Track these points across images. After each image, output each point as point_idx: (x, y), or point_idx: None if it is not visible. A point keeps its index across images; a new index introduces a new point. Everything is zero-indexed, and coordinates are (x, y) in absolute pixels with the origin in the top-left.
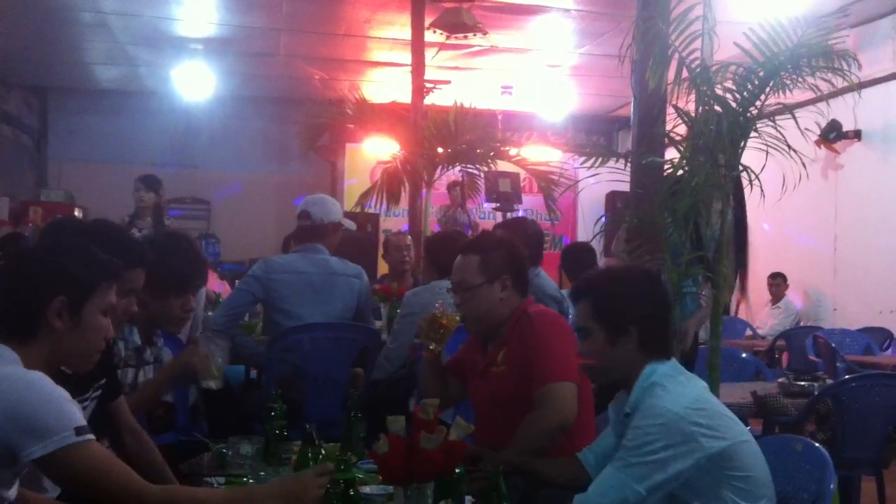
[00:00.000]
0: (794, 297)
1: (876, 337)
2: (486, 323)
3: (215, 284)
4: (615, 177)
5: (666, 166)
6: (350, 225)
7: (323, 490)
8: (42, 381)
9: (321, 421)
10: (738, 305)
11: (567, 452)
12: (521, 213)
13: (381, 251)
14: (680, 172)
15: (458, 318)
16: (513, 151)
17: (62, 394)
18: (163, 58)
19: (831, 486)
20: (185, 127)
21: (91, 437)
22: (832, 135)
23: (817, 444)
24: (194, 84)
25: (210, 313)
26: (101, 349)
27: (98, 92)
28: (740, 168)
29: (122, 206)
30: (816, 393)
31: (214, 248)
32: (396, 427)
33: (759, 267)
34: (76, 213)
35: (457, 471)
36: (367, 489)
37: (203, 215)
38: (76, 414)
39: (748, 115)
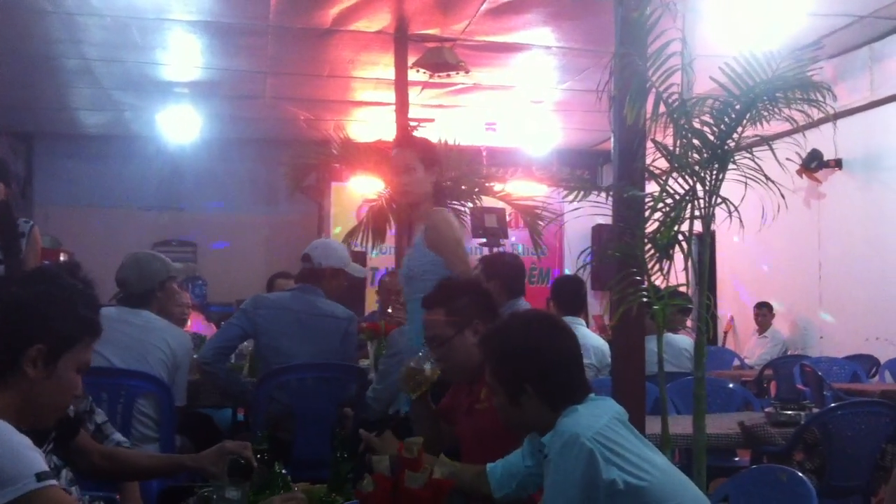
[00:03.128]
0: (780, 326)
1: (863, 364)
2: (466, 370)
3: (202, 327)
4: (600, 210)
5: (647, 199)
6: (357, 271)
7: None
8: (3, 428)
9: (309, 460)
10: (725, 336)
11: None
12: (506, 248)
13: (368, 288)
14: (660, 205)
15: (437, 371)
16: (498, 187)
17: (23, 441)
18: (148, 102)
19: None
20: (171, 170)
21: (53, 482)
22: (813, 164)
23: (801, 475)
24: (180, 127)
25: (195, 356)
26: (67, 406)
27: (83, 137)
28: (719, 200)
29: (109, 250)
30: (803, 422)
31: (202, 290)
32: (381, 466)
33: (746, 297)
34: (62, 257)
35: None
36: None
37: (190, 257)
38: (38, 460)
39: (726, 147)
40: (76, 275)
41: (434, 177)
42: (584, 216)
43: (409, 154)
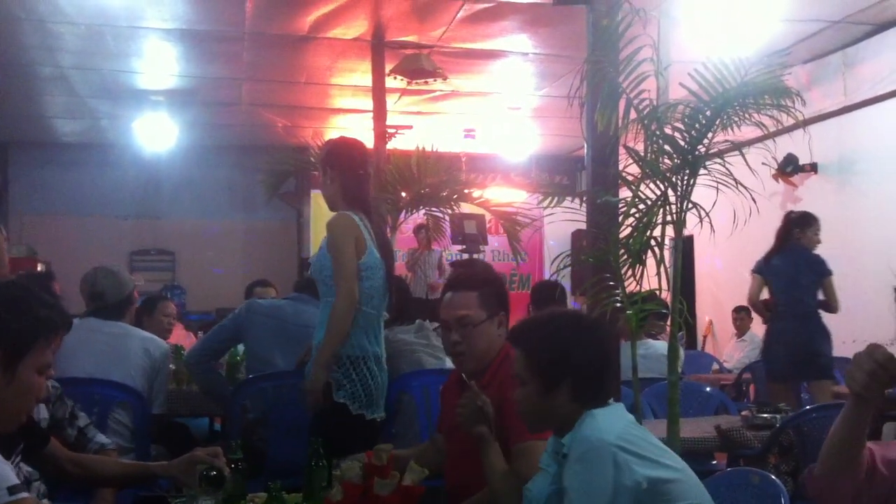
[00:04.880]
0: (758, 329)
1: (840, 367)
2: (484, 360)
3: (181, 337)
4: (577, 216)
5: (619, 205)
6: None
7: None
8: None
9: (285, 468)
10: (704, 340)
11: None
12: (485, 255)
13: None
14: (633, 211)
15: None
16: (476, 193)
17: None
18: (124, 110)
19: None
20: (148, 178)
21: (25, 494)
22: (789, 168)
23: (773, 477)
24: (157, 135)
25: (172, 366)
26: (31, 409)
27: (59, 145)
28: (690, 205)
29: (86, 259)
30: (779, 425)
31: (180, 299)
32: (351, 474)
33: (724, 301)
34: (39, 267)
35: None
36: None
37: (168, 266)
38: (8, 473)
39: (696, 153)
40: (48, 288)
41: (338, 178)
42: (564, 222)
43: (320, 161)
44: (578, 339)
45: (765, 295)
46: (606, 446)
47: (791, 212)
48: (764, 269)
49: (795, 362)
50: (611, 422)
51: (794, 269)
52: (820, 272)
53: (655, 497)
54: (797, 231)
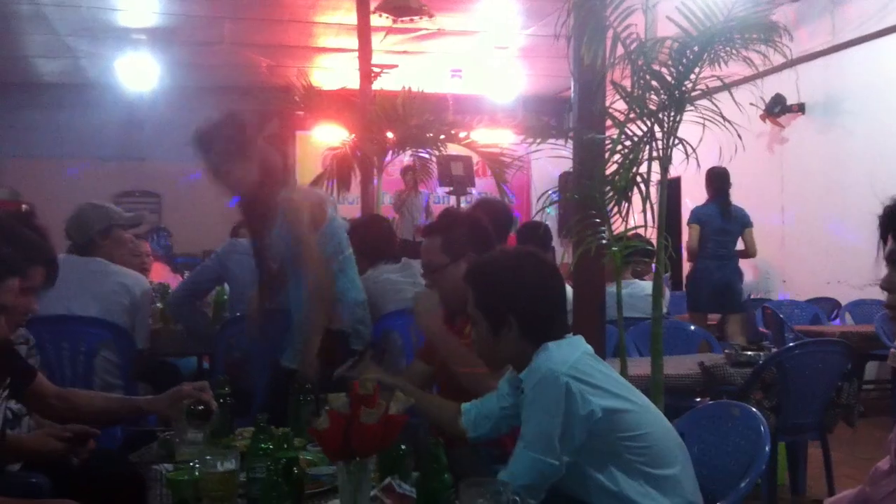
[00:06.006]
0: (743, 269)
1: (824, 307)
2: (457, 300)
3: (168, 278)
4: (565, 155)
5: (606, 143)
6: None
7: None
8: None
9: (271, 405)
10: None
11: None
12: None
13: None
14: (619, 147)
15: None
16: (462, 134)
17: None
18: (105, 49)
19: (766, 449)
20: (131, 119)
21: None
22: (777, 109)
23: (753, 409)
24: (138, 75)
25: (159, 304)
26: (9, 328)
27: (39, 86)
28: (676, 141)
29: (68, 201)
30: (761, 362)
31: (167, 241)
32: (338, 404)
33: None
34: (22, 208)
35: (402, 447)
36: (313, 470)
37: (154, 208)
38: None
39: (683, 89)
40: (30, 223)
41: (253, 163)
42: (552, 165)
43: (212, 159)
44: (520, 277)
45: None
46: (559, 376)
47: (715, 167)
48: (699, 218)
49: (715, 296)
50: (565, 353)
51: (722, 219)
52: (743, 223)
53: (611, 426)
54: (722, 184)
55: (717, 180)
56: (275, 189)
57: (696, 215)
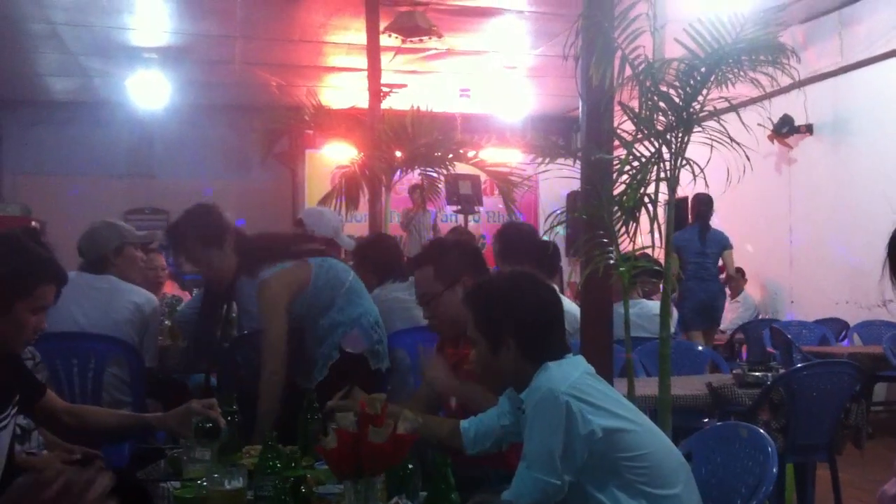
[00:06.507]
0: (752, 290)
1: (832, 327)
2: (456, 326)
3: (178, 294)
4: (573, 175)
5: (614, 162)
6: (346, 243)
7: None
8: None
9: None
10: None
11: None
12: (481, 216)
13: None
14: (627, 168)
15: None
16: (471, 153)
17: None
18: (117, 68)
19: (774, 470)
20: (142, 137)
21: None
22: (785, 129)
23: (761, 430)
24: (149, 93)
25: (167, 322)
26: (20, 345)
27: (52, 103)
28: (684, 162)
29: (78, 217)
30: (769, 382)
31: (176, 259)
32: (346, 423)
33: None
34: (32, 225)
35: (409, 466)
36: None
37: (162, 226)
38: None
39: (691, 110)
40: (37, 240)
41: (222, 247)
42: (560, 184)
43: (185, 247)
44: (517, 298)
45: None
46: (559, 395)
47: (700, 193)
48: (678, 244)
49: (700, 314)
50: (565, 373)
51: (700, 243)
52: (723, 245)
53: (611, 446)
54: (704, 209)
55: (701, 205)
56: (251, 270)
57: (675, 241)
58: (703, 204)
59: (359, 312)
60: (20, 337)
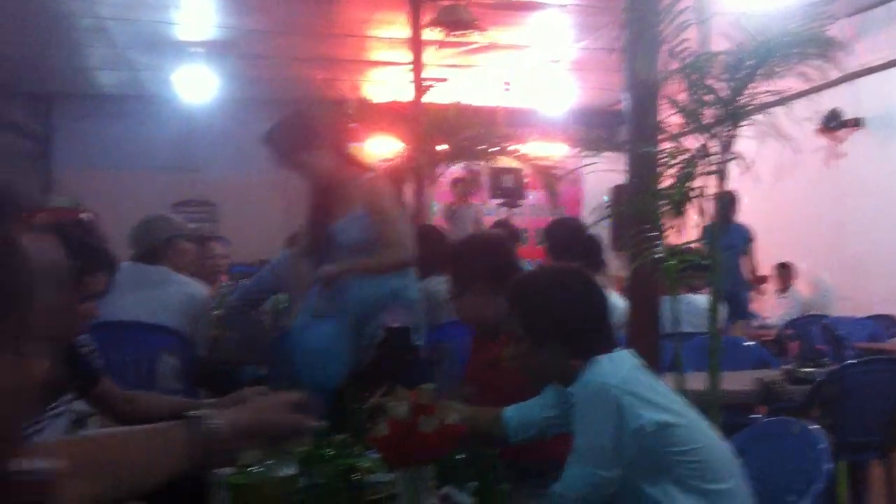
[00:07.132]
0: (800, 286)
1: (883, 324)
2: (480, 324)
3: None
4: (617, 170)
5: (660, 156)
6: None
7: None
8: None
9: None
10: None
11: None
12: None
13: None
14: (674, 162)
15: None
16: (513, 147)
17: None
18: (163, 62)
19: (825, 467)
20: (188, 131)
21: None
22: (833, 123)
23: (813, 427)
24: (196, 87)
25: (217, 312)
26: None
27: (100, 97)
28: (732, 155)
29: (126, 210)
30: (821, 378)
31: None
32: (398, 412)
33: (765, 256)
34: (83, 217)
35: (460, 456)
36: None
37: (210, 217)
38: None
39: (738, 103)
40: (92, 232)
41: (327, 149)
42: (604, 178)
43: (287, 152)
44: (560, 294)
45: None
46: (610, 389)
47: (726, 191)
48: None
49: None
50: (615, 367)
51: (727, 236)
52: (745, 238)
53: (661, 441)
54: (730, 205)
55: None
56: (355, 172)
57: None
58: (732, 200)
59: (404, 285)
60: (71, 325)
